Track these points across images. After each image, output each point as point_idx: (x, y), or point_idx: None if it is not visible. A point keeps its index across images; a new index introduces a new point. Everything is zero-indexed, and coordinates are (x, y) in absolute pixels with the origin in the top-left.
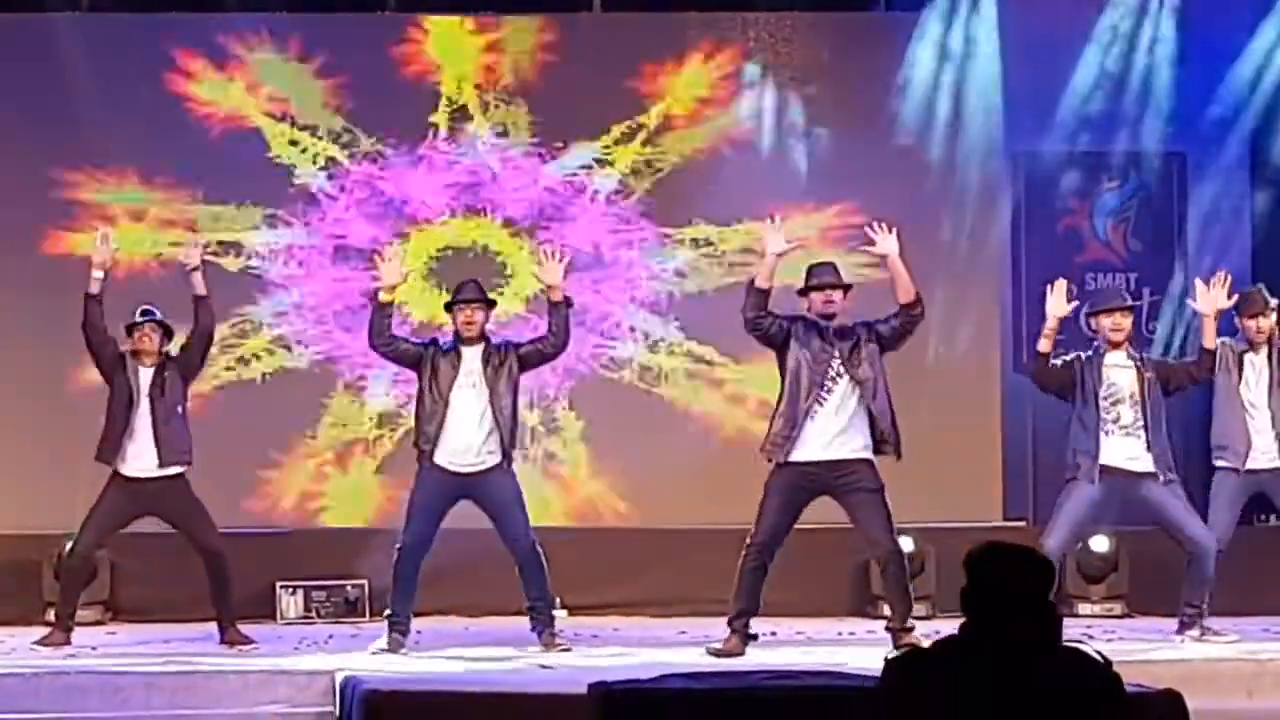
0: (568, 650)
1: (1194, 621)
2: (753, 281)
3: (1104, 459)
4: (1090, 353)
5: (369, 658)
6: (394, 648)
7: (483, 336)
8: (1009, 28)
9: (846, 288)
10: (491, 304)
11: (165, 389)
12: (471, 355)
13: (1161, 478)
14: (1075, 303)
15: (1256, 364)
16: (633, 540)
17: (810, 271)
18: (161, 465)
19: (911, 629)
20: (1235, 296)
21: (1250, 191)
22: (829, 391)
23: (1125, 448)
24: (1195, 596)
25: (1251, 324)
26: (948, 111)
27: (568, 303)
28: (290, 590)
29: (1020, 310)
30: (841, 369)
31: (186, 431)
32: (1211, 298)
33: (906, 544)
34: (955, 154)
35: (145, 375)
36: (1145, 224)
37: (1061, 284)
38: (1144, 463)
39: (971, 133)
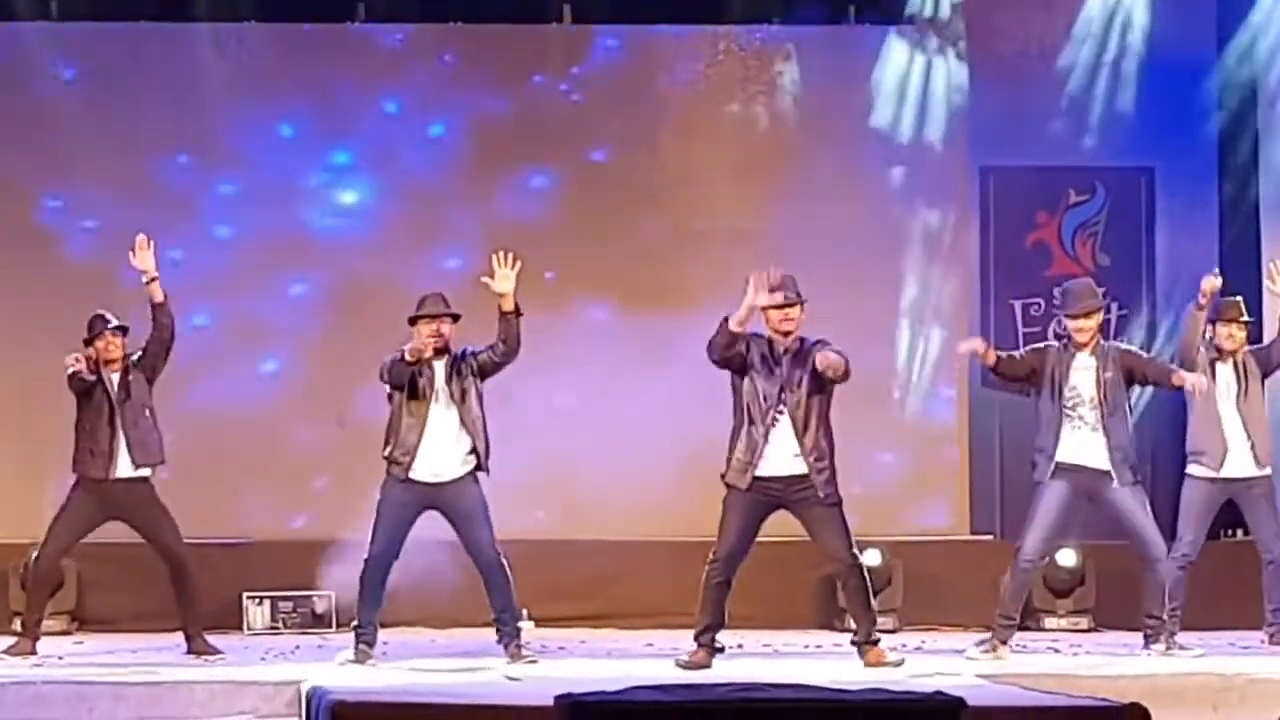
0: (534, 662)
1: (1158, 634)
2: (726, 320)
3: (1061, 456)
4: (1061, 347)
5: (335, 668)
6: (361, 659)
7: (447, 349)
8: (976, 43)
9: (803, 303)
10: (456, 317)
11: (131, 392)
12: (439, 369)
13: (1119, 479)
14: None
15: (1226, 374)
16: (599, 552)
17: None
18: (136, 467)
19: (876, 642)
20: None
21: (1218, 205)
22: (783, 408)
23: (1085, 444)
24: (1155, 606)
25: (1225, 329)
26: (915, 126)
27: (518, 312)
28: (257, 601)
29: (988, 324)
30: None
31: (156, 430)
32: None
33: (873, 557)
34: (923, 169)
35: (111, 380)
36: (1113, 238)
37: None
38: (1103, 460)
39: (939, 148)
